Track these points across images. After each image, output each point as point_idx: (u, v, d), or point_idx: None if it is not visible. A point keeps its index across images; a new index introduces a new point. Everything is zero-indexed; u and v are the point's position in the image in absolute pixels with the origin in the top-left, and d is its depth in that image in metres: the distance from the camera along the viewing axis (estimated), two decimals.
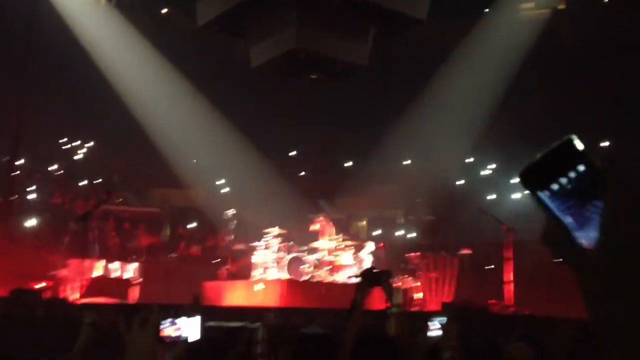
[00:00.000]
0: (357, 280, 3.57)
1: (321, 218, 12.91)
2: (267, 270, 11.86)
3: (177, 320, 2.95)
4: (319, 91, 19.47)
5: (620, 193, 0.79)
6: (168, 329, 2.97)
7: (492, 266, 13.21)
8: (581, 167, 0.81)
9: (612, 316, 0.76)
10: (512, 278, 10.50)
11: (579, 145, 0.82)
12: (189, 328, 2.96)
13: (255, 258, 12.15)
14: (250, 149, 18.79)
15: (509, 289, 10.53)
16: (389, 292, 3.53)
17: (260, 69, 18.95)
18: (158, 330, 2.91)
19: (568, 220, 0.80)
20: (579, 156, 0.81)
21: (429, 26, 16.77)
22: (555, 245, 0.83)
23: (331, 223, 12.89)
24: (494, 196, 18.52)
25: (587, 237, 0.80)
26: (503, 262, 10.64)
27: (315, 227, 12.77)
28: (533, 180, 0.83)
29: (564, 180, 0.81)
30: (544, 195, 0.81)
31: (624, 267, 0.76)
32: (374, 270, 3.76)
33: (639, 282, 0.75)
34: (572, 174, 0.81)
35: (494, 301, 10.39)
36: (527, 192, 0.83)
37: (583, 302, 0.80)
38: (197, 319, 2.98)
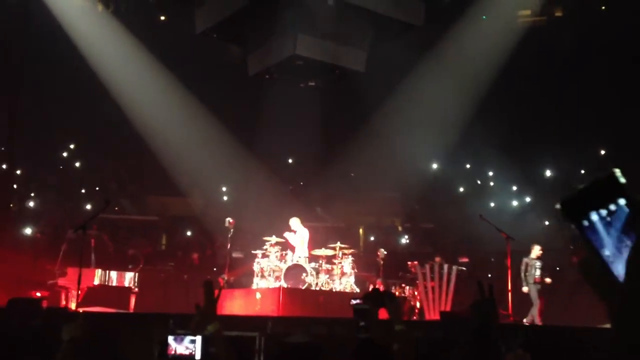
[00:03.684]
0: (357, 302, 3.54)
1: (294, 221, 12.77)
2: (265, 279, 11.81)
3: (185, 338, 2.93)
4: (317, 98, 19.52)
5: None
6: (175, 347, 2.94)
7: (490, 275, 13.23)
8: (621, 201, 0.82)
9: (633, 341, 0.78)
10: (510, 287, 10.49)
11: (622, 179, 0.83)
12: (196, 345, 2.93)
13: (253, 267, 12.10)
14: (248, 157, 18.80)
15: (509, 298, 10.51)
16: (394, 312, 3.52)
17: (258, 76, 19.04)
18: (163, 347, 2.89)
19: (605, 252, 0.81)
20: (621, 190, 0.82)
21: (424, 32, 16.88)
22: (589, 275, 0.84)
23: (303, 227, 12.72)
24: (492, 204, 18.56)
25: (619, 270, 0.81)
26: (506, 271, 10.64)
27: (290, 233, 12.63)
28: (574, 209, 0.84)
29: (603, 212, 0.82)
30: (583, 225, 0.82)
31: None
32: (375, 292, 3.76)
33: None
34: (612, 207, 0.82)
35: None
36: (568, 221, 0.85)
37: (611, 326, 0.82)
38: (199, 338, 2.95)
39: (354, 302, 3.44)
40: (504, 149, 17.84)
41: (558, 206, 0.85)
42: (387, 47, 17.16)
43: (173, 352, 2.87)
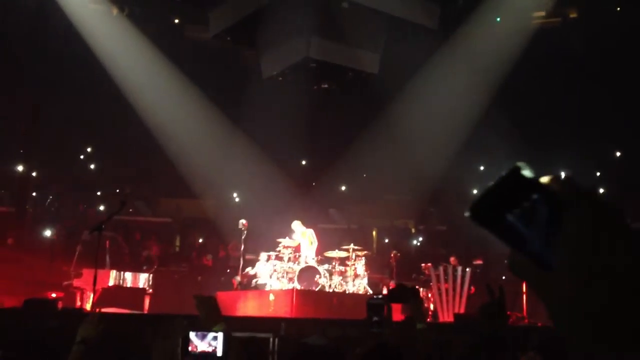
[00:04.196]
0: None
1: (295, 224, 12.77)
2: (279, 281, 11.83)
3: (208, 334, 2.94)
4: (330, 100, 19.51)
5: (579, 217, 0.78)
6: (197, 343, 2.96)
7: (504, 277, 13.12)
8: (535, 196, 0.78)
9: (572, 327, 0.79)
10: (525, 289, 10.43)
11: (528, 173, 0.80)
12: (218, 342, 2.95)
13: (267, 268, 12.13)
14: (261, 159, 18.84)
15: (524, 301, 10.46)
16: (417, 309, 3.53)
17: (271, 79, 19.09)
18: (185, 343, 2.91)
19: (528, 248, 0.78)
20: (531, 185, 0.79)
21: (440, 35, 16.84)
22: (522, 275, 0.82)
23: (305, 228, 12.71)
24: None
25: (548, 262, 0.78)
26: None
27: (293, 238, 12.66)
28: (485, 215, 0.78)
29: (518, 211, 0.77)
30: (499, 228, 0.78)
31: (581, 287, 0.77)
32: (400, 287, 3.77)
33: (593, 298, 0.76)
34: (525, 204, 0.78)
35: (508, 313, 10.33)
36: (482, 226, 0.80)
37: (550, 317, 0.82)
38: (221, 335, 2.96)
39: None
40: (518, 151, 17.75)
41: (467, 214, 0.81)
42: (400, 48, 17.14)
43: (195, 349, 2.88)
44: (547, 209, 0.78)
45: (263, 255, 12.74)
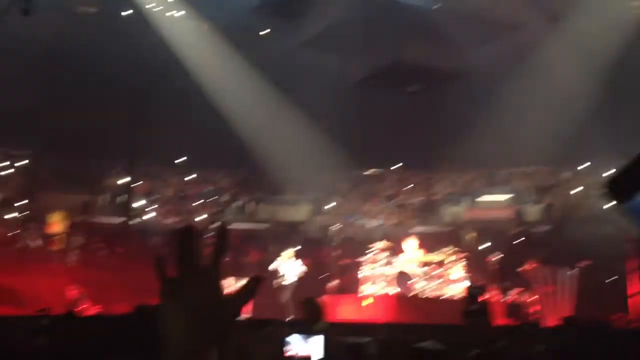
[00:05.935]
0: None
1: (409, 243, 12.52)
2: (375, 285, 11.78)
3: (308, 339, 2.97)
4: (418, 103, 19.26)
5: None
6: (296, 347, 3.00)
7: (616, 277, 12.45)
8: None
9: None
10: (637, 290, 9.85)
11: None
12: (315, 346, 2.97)
13: (363, 272, 12.10)
14: (354, 164, 18.88)
15: (634, 302, 9.89)
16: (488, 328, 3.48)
17: (360, 83, 19.16)
18: (282, 347, 2.95)
19: None
20: None
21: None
22: None
23: (415, 241, 12.44)
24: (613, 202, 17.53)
25: None
26: (626, 275, 10.01)
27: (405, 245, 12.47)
28: (620, 190, 0.80)
29: None
30: (632, 204, 0.78)
31: None
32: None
33: None
34: None
35: (617, 315, 9.80)
36: (614, 202, 0.80)
37: None
38: (321, 338, 2.99)
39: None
40: (624, 148, 16.80)
41: (604, 189, 0.81)
42: (489, 48, 16.81)
43: (294, 354, 2.90)
44: None
45: (286, 253, 12.78)
